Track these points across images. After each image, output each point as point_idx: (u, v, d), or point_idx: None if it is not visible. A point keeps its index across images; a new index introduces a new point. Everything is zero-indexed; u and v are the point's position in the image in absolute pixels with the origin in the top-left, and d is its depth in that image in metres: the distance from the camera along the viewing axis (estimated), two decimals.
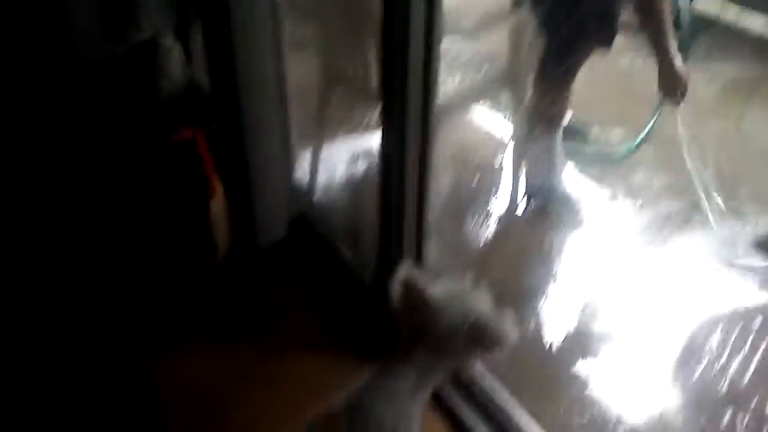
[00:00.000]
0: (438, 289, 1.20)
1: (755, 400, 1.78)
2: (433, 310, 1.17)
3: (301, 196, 2.22)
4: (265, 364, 1.78)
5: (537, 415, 1.65)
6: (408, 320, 1.19)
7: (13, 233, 1.69)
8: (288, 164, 2.05)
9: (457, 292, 1.20)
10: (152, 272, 1.93)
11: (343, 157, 2.49)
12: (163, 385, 1.69)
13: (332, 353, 1.82)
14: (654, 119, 2.69)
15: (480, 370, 1.72)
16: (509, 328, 1.16)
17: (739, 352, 1.92)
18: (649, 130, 2.77)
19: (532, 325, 2.01)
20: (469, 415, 1.66)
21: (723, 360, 1.90)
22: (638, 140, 2.74)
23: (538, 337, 1.97)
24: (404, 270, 1.21)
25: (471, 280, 1.24)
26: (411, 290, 1.19)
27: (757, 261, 2.24)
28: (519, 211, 2.48)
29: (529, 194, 2.48)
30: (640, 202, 2.50)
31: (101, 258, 1.82)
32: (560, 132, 2.40)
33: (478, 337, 1.15)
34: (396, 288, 1.20)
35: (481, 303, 1.19)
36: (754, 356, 1.91)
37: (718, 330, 2.00)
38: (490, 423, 1.64)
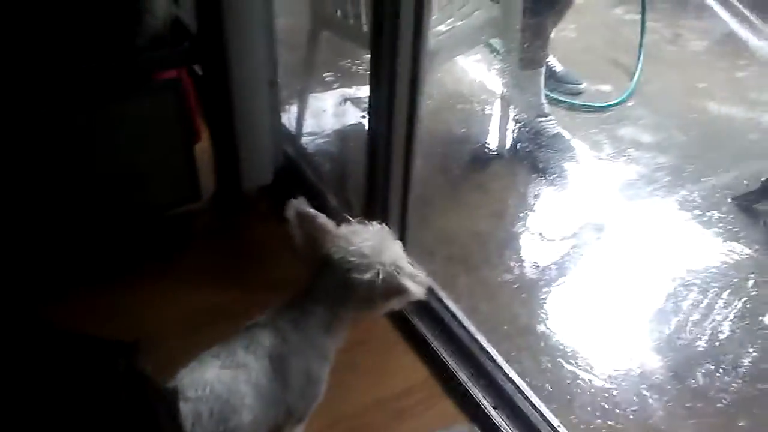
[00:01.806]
0: (347, 228, 1.21)
1: (730, 356, 1.83)
2: (338, 241, 1.18)
3: (288, 141, 2.20)
4: (253, 302, 1.79)
5: (509, 358, 1.69)
6: (312, 252, 1.21)
7: None
8: (275, 108, 2.02)
9: (369, 235, 1.20)
10: (134, 215, 1.92)
11: (331, 102, 2.47)
12: (151, 318, 1.70)
13: None
14: (639, 66, 2.69)
15: (455, 308, 1.76)
16: (419, 283, 1.18)
17: (716, 308, 1.96)
18: (636, 82, 2.78)
19: (514, 269, 2.04)
20: (442, 350, 1.70)
21: (700, 315, 1.94)
22: (627, 92, 2.75)
23: (515, 282, 2.00)
24: (295, 204, 1.21)
25: (380, 224, 1.24)
26: (306, 221, 1.20)
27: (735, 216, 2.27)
28: (506, 157, 2.48)
29: (517, 141, 2.48)
30: (626, 156, 2.51)
31: (80, 201, 1.80)
32: (543, 76, 2.41)
33: (388, 285, 1.15)
34: (292, 220, 1.21)
35: (393, 251, 1.19)
36: (731, 312, 1.95)
37: (697, 286, 2.03)
38: (463, 359, 1.68)
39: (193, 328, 1.68)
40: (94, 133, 1.74)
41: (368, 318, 1.27)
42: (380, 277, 1.14)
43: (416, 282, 1.18)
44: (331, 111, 2.50)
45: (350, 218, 1.25)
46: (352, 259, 1.16)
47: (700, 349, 1.86)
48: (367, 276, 1.14)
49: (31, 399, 0.48)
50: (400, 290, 1.16)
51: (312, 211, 1.21)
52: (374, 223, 1.24)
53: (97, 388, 0.52)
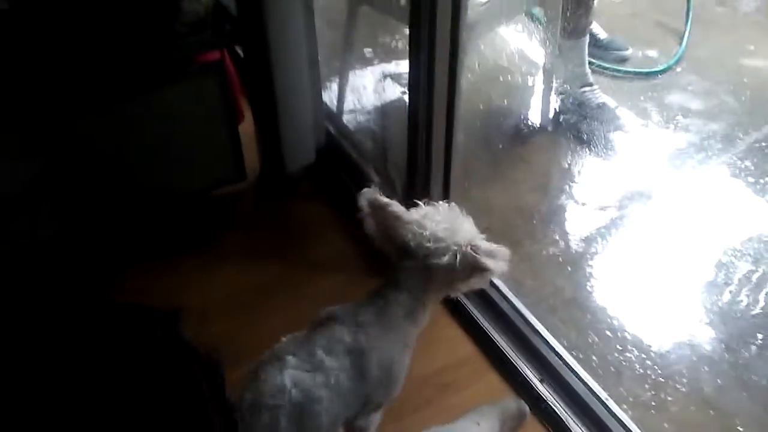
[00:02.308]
0: (417, 212, 1.19)
1: None
2: (411, 228, 1.16)
3: (329, 120, 2.20)
4: (296, 280, 1.82)
5: (555, 332, 1.68)
6: (389, 241, 1.19)
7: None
8: (315, 87, 2.03)
9: (441, 216, 1.18)
10: (180, 195, 1.96)
11: (371, 79, 2.46)
12: (196, 298, 1.75)
13: (360, 272, 1.86)
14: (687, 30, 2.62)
15: (500, 283, 1.75)
16: (499, 259, 1.16)
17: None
18: (684, 46, 2.69)
19: (559, 242, 2.01)
20: (487, 324, 1.70)
21: (753, 286, 1.89)
22: (675, 58, 2.67)
23: (560, 255, 1.98)
24: (367, 192, 1.20)
25: (453, 205, 1.22)
26: (379, 209, 1.18)
27: None
28: (549, 129, 2.44)
29: (560, 113, 2.44)
30: (674, 124, 2.44)
31: (129, 184, 1.85)
32: (586, 45, 2.35)
33: (467, 265, 1.14)
34: (364, 209, 1.19)
35: (466, 230, 1.18)
36: None
37: (750, 256, 1.98)
38: (509, 333, 1.68)
39: (239, 306, 1.73)
40: (141, 118, 1.78)
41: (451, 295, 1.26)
42: (458, 258, 1.13)
43: (495, 257, 1.17)
44: (371, 87, 2.49)
45: (419, 201, 1.23)
46: (428, 244, 1.14)
47: (753, 320, 1.82)
48: (445, 259, 1.13)
49: (64, 367, 0.49)
50: (480, 269, 1.15)
51: (384, 199, 1.19)
52: (442, 203, 1.22)
53: (132, 355, 0.51)
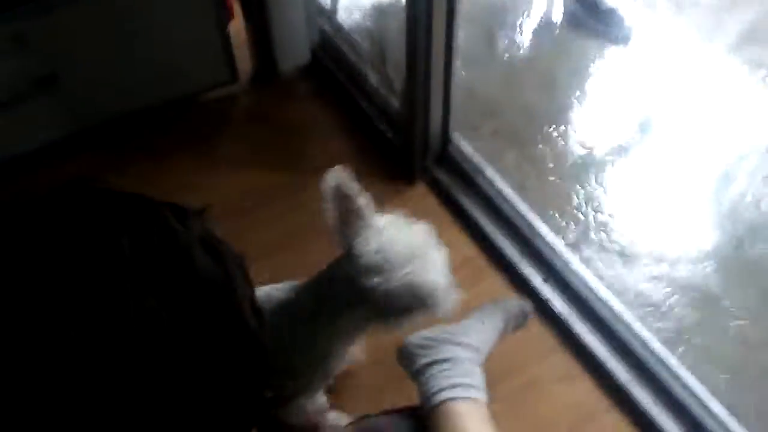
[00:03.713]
0: (384, 219, 1.02)
1: None
2: (367, 234, 0.99)
3: (324, 18, 2.10)
4: (293, 186, 1.78)
5: (558, 233, 1.66)
6: (340, 236, 1.02)
7: None
8: None
9: (405, 234, 1.01)
10: (171, 98, 1.89)
11: None
12: (192, 201, 1.71)
13: (357, 176, 1.81)
14: None
15: (502, 184, 1.71)
16: (441, 305, 1.01)
17: None
18: None
19: (565, 144, 1.96)
20: (489, 226, 1.68)
21: (760, 188, 1.86)
22: None
23: (566, 157, 1.93)
24: (336, 176, 1.00)
25: (430, 230, 1.04)
26: (343, 199, 1.01)
27: None
28: (556, 28, 2.33)
29: (569, 10, 2.33)
30: (687, 17, 2.33)
31: (118, 84, 1.78)
32: None
33: (401, 302, 0.98)
34: (328, 194, 1.00)
35: (425, 259, 1.00)
36: None
37: (759, 156, 1.93)
38: (511, 234, 1.66)
39: (234, 213, 1.69)
40: (127, 14, 1.68)
41: (386, 332, 1.06)
42: (393, 285, 0.96)
43: (443, 300, 1.01)
44: None
45: (392, 210, 1.06)
46: (371, 258, 0.97)
47: (762, 219, 1.79)
48: (377, 281, 0.96)
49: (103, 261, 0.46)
50: (416, 306, 0.99)
51: (353, 188, 1.01)
52: (420, 223, 1.04)
53: (172, 249, 0.49)
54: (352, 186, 1.01)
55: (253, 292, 0.55)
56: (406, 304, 0.99)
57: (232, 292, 0.51)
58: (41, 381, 0.43)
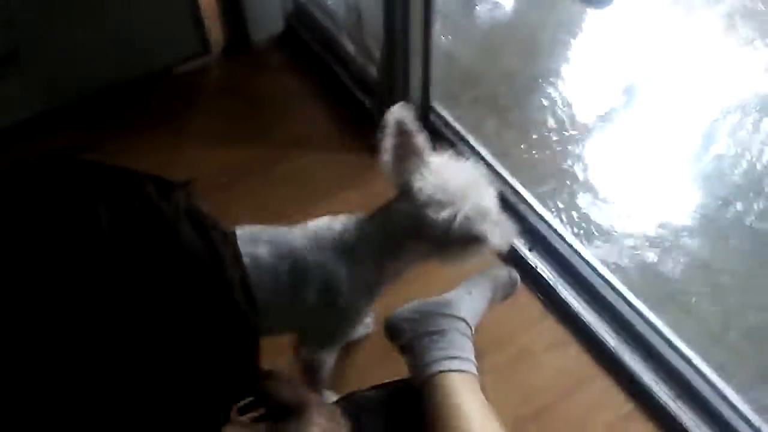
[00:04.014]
0: (440, 157, 1.04)
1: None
2: (425, 170, 1.01)
3: None
4: (270, 159, 1.74)
5: (542, 199, 1.65)
6: (397, 172, 1.04)
7: None
8: None
9: (463, 172, 1.03)
10: (142, 71, 1.83)
11: None
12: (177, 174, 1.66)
13: (336, 148, 1.77)
14: None
15: (486, 152, 1.69)
16: (502, 234, 1.03)
17: (756, 139, 1.86)
18: None
19: (547, 109, 1.93)
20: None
21: (742, 146, 1.85)
22: None
23: (547, 124, 1.90)
24: (398, 111, 1.02)
25: (483, 169, 1.06)
26: (403, 135, 1.03)
27: None
28: None
29: None
30: None
31: (86, 55, 1.71)
32: None
33: (464, 232, 0.99)
34: (389, 129, 1.02)
35: (478, 194, 1.02)
36: None
37: (741, 114, 1.92)
38: None
39: (210, 188, 1.64)
40: None
41: (445, 265, 1.07)
42: (457, 219, 0.98)
43: (501, 233, 1.02)
44: None
45: (451, 148, 1.08)
46: (432, 192, 1.00)
47: (740, 179, 1.79)
48: (442, 216, 0.98)
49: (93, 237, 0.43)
50: (477, 238, 0.99)
51: (413, 126, 1.03)
52: (472, 162, 1.06)
53: (155, 223, 0.46)
54: (413, 123, 1.03)
55: (243, 269, 0.52)
56: (465, 236, 0.99)
57: (221, 269, 0.49)
58: (20, 361, 0.41)
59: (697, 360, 1.36)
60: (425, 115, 1.76)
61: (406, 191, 1.03)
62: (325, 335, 1.17)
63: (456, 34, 2.10)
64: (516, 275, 1.28)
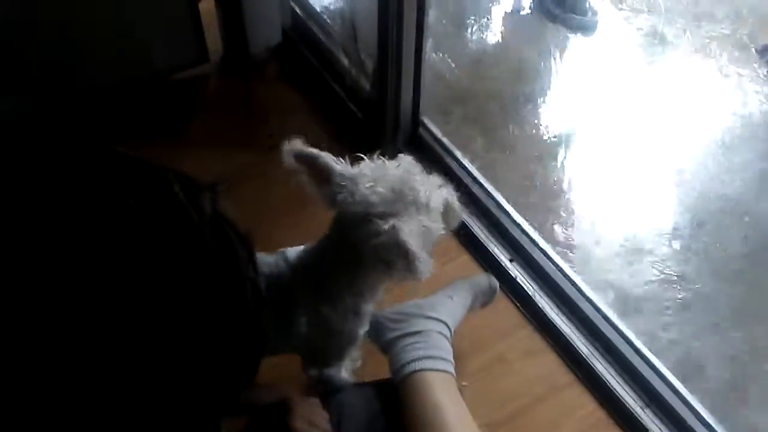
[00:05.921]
0: (364, 166, 0.98)
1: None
2: (344, 188, 0.95)
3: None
4: (264, 167, 1.79)
5: (525, 213, 1.70)
6: (326, 198, 0.99)
7: None
8: None
9: (385, 173, 0.96)
10: (141, 78, 1.87)
11: None
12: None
13: (331, 154, 1.82)
14: None
15: (472, 167, 1.75)
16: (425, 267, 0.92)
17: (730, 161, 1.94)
18: None
19: (534, 130, 2.00)
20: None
21: (726, 166, 1.92)
22: None
23: (535, 142, 1.97)
24: (289, 147, 0.99)
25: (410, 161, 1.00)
26: (308, 162, 0.99)
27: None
28: (527, 13, 2.37)
29: None
30: (647, 13, 2.39)
31: (85, 64, 1.76)
32: None
33: (388, 247, 0.91)
34: (293, 167, 0.99)
35: (420, 186, 0.95)
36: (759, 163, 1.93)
37: (723, 137, 2.01)
38: (480, 215, 1.70)
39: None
40: None
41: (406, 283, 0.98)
42: (380, 236, 0.90)
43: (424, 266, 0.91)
44: None
45: (364, 156, 1.01)
46: (356, 208, 0.92)
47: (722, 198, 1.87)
48: (372, 233, 0.90)
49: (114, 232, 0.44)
50: (406, 252, 0.89)
51: (311, 150, 0.98)
52: (399, 156, 0.99)
53: (183, 226, 0.47)
54: (309, 149, 1.00)
55: (256, 270, 0.53)
56: (392, 257, 0.91)
57: (236, 268, 0.50)
58: (40, 347, 0.41)
59: (665, 370, 1.42)
60: (415, 129, 1.82)
61: (335, 220, 1.01)
62: (327, 356, 1.14)
63: (446, 55, 2.17)
64: (496, 283, 1.34)
